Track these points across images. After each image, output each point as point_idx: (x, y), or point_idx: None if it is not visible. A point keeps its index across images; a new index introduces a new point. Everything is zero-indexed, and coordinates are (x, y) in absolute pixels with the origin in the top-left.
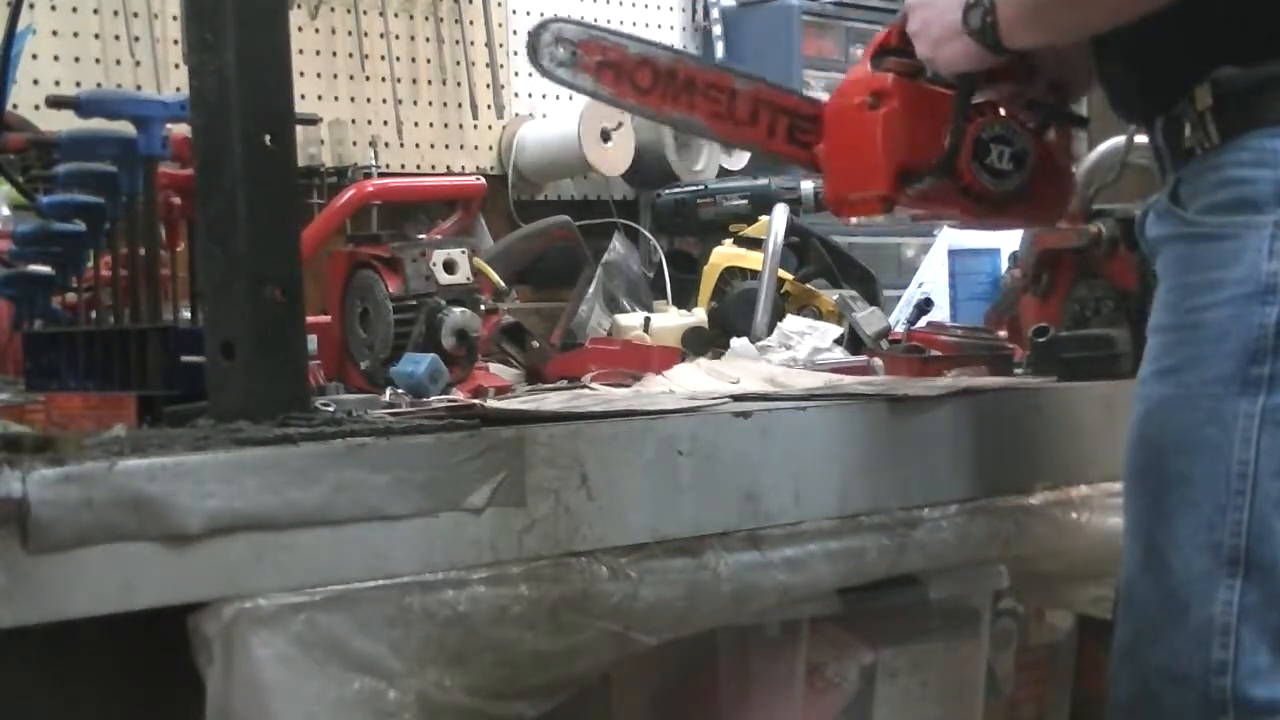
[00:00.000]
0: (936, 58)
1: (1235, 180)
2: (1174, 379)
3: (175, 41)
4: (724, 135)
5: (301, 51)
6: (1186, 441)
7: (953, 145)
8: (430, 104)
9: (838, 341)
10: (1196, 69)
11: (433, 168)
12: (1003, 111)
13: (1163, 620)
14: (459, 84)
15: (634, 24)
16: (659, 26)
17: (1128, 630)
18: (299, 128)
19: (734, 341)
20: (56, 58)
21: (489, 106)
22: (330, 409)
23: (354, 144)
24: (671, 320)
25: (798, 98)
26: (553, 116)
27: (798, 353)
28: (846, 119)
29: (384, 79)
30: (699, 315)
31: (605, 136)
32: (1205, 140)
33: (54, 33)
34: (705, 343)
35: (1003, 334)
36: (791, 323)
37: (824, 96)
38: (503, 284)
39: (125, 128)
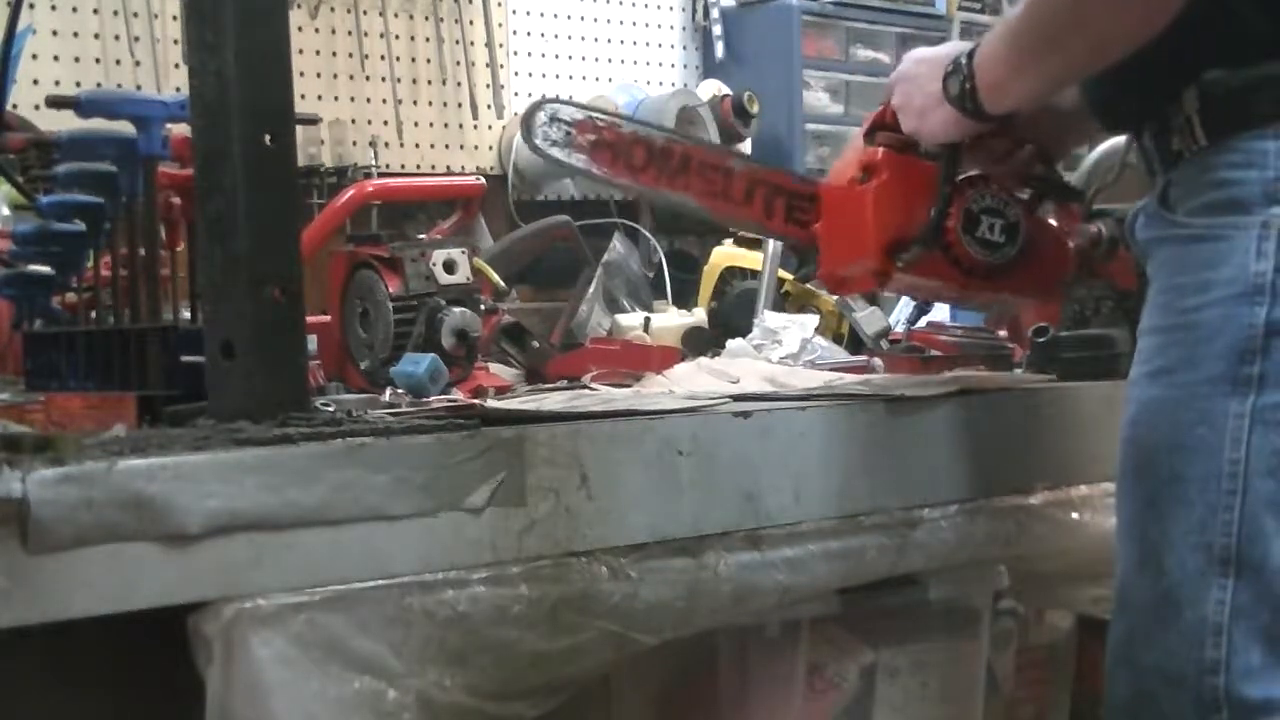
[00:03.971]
0: (921, 129)
1: (1223, 182)
2: (1165, 380)
3: (175, 41)
4: (720, 214)
5: (301, 51)
6: (1179, 442)
7: (939, 213)
8: (430, 104)
9: (818, 330)
10: (1183, 73)
11: (433, 168)
12: (994, 185)
13: (1157, 620)
14: (459, 84)
15: (634, 23)
16: (659, 26)
17: (1123, 630)
18: (299, 128)
19: (730, 343)
20: (56, 58)
21: (489, 106)
22: (330, 409)
23: (354, 144)
24: (671, 320)
25: (795, 178)
26: None
27: (789, 347)
28: (840, 196)
29: (384, 79)
30: (699, 315)
31: None
32: (1193, 143)
33: (54, 33)
34: (705, 343)
35: (1003, 334)
36: (771, 319)
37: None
38: (503, 284)
39: (125, 128)
